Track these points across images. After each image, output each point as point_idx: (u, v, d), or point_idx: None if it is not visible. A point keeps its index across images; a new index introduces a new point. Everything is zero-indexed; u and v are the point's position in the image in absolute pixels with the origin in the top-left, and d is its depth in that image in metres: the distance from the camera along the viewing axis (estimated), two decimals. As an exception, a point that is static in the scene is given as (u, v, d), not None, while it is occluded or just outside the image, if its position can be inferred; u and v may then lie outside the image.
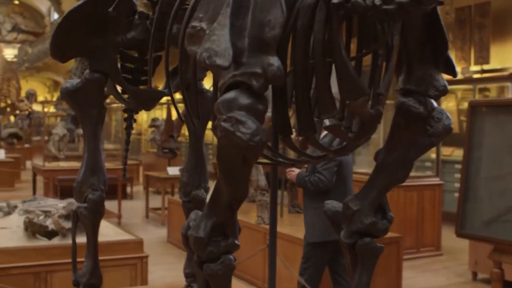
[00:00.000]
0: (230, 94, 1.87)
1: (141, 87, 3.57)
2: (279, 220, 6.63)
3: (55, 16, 35.79)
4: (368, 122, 2.01)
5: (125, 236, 5.62)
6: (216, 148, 1.92)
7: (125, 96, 3.55)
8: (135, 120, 3.74)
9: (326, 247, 5.02)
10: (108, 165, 11.30)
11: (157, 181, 11.21)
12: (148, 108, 3.64)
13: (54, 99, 34.05)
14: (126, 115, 3.73)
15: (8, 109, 18.73)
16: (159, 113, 18.98)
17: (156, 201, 11.70)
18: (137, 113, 3.74)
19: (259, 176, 6.47)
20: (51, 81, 39.38)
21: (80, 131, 13.55)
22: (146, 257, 5.53)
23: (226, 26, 1.88)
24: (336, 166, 5.03)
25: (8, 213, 6.49)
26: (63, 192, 12.08)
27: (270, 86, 1.96)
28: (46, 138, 13.32)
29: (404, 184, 7.72)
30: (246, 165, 1.89)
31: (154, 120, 14.21)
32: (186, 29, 2.23)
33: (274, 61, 1.84)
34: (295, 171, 5.37)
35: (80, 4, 3.24)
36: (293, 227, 6.34)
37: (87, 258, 3.57)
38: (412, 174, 2.53)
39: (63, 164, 11.56)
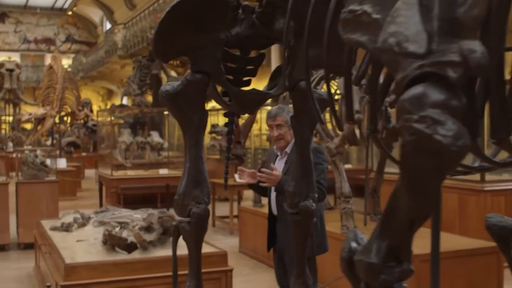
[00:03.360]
0: (418, 89, 1.50)
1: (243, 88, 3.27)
2: (363, 229, 6.27)
3: (108, 25, 36.18)
4: None
5: (208, 249, 5.31)
6: (401, 154, 1.56)
7: (226, 99, 3.25)
8: (236, 125, 3.42)
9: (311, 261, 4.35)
10: (175, 172, 11.17)
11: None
12: (251, 111, 3.33)
13: (108, 107, 34.35)
14: (227, 119, 3.42)
15: (68, 118, 18.78)
16: (215, 119, 18.79)
17: (220, 209, 11.43)
18: (239, 117, 3.43)
19: (342, 183, 6.09)
20: (104, 90, 39.85)
21: (138, 139, 13.44)
22: (231, 270, 5.23)
23: (414, 5, 1.53)
24: None
25: (83, 225, 6.28)
26: (125, 201, 11.97)
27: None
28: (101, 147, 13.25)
29: (503, 188, 7.15)
30: (441, 175, 1.53)
31: (214, 126, 13.98)
32: (334, 15, 1.89)
33: (476, 46, 1.48)
34: (274, 175, 4.10)
35: None
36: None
37: (190, 277, 3.26)
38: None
39: (130, 173, 11.40)
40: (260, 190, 4.54)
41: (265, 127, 17.87)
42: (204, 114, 3.16)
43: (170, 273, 4.41)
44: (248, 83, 3.27)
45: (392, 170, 7.70)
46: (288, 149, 4.34)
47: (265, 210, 5.62)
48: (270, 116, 4.29)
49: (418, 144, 1.47)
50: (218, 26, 3.01)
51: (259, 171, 4.17)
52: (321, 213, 4.57)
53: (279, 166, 4.35)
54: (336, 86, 6.38)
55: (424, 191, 1.58)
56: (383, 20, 1.67)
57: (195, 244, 3.20)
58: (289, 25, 2.82)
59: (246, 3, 3.11)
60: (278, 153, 4.44)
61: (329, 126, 6.87)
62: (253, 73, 3.28)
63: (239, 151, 9.80)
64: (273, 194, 4.41)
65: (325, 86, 6.45)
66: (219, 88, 3.26)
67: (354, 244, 1.82)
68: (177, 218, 3.65)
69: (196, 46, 2.99)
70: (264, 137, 17.11)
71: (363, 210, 6.49)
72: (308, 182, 3.29)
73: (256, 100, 3.21)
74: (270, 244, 4.52)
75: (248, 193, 11.46)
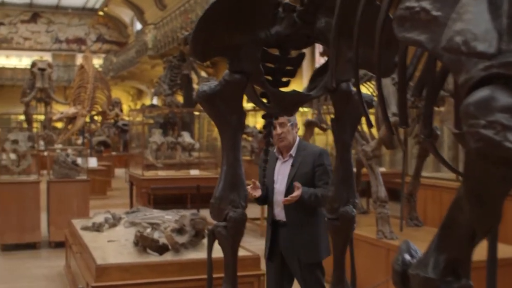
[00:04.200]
0: (485, 92, 1.39)
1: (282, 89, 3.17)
2: (399, 234, 6.12)
3: (138, 26, 36.40)
4: None
5: (241, 252, 5.20)
6: (465, 162, 1.45)
7: (264, 100, 3.16)
8: (274, 127, 3.33)
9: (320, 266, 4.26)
10: (206, 173, 11.10)
11: (255, 190, 10.84)
12: (290, 113, 3.23)
13: (138, 107, 34.55)
14: (264, 121, 3.33)
15: (99, 117, 18.88)
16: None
17: (251, 211, 11.33)
18: (276, 118, 3.34)
19: (378, 187, 5.95)
20: (134, 90, 40.09)
21: (169, 139, 13.43)
22: (263, 275, 5.12)
23: (482, 0, 1.41)
24: None
25: (113, 225, 6.25)
26: (155, 201, 11.97)
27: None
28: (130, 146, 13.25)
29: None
30: (510, 185, 1.42)
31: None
32: (388, 13, 1.79)
33: None
34: (296, 195, 3.98)
35: None
36: (417, 242, 5.76)
37: (225, 283, 3.17)
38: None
39: (160, 173, 11.38)
40: (261, 201, 4.30)
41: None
42: (242, 115, 3.08)
43: (202, 276, 4.34)
44: (287, 84, 3.18)
45: (428, 174, 7.55)
46: (293, 152, 4.15)
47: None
48: None
49: (485, 151, 1.35)
50: (258, 25, 2.92)
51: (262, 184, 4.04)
52: (324, 216, 4.37)
53: (282, 169, 4.19)
54: (372, 88, 6.25)
55: (488, 201, 1.46)
56: (444, 17, 1.55)
57: (231, 249, 3.11)
58: (336, 24, 2.71)
59: (286, 1, 3.01)
60: (280, 156, 4.21)
61: (364, 128, 6.74)
62: (293, 74, 3.18)
63: (270, 153, 9.69)
64: (277, 199, 4.20)
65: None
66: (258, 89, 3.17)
67: (407, 256, 1.71)
68: (210, 220, 3.57)
69: (235, 45, 2.91)
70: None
71: (399, 215, 6.34)
72: (349, 187, 3.18)
73: (295, 101, 3.11)
74: (271, 251, 4.30)
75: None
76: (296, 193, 3.93)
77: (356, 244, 3.90)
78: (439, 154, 1.89)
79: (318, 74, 3.15)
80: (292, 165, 4.14)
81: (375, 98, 5.82)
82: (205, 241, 5.00)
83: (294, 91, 3.07)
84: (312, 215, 4.16)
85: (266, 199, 4.26)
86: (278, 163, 4.22)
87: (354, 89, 3.11)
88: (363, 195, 8.72)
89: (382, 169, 11.78)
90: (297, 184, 3.97)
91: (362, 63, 2.58)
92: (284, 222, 4.17)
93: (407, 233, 6.17)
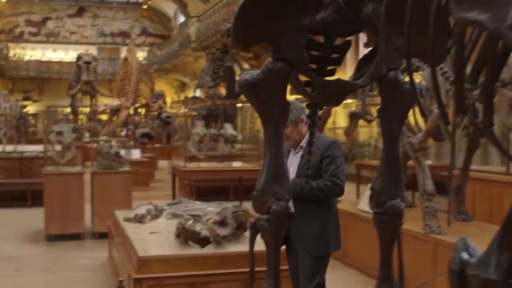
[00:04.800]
0: None
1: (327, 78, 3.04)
2: (447, 229, 5.93)
3: (181, 19, 36.56)
4: None
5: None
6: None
7: (308, 89, 3.04)
8: (319, 118, 3.21)
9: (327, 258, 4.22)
10: (249, 165, 11.01)
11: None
12: (336, 103, 3.10)
13: (181, 99, 34.74)
14: (308, 111, 3.21)
15: (143, 109, 19.03)
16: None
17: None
18: (321, 109, 3.22)
19: (425, 180, 5.77)
20: (178, 82, 40.34)
21: (212, 131, 13.40)
22: (306, 269, 5.01)
23: None
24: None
25: (156, 216, 6.23)
26: (198, 192, 11.96)
27: None
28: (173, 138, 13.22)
29: None
30: None
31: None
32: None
33: None
34: None
35: None
36: (466, 237, 5.57)
37: (267, 278, 3.07)
38: None
39: (203, 165, 11.36)
40: None
41: (339, 120, 17.50)
42: (286, 105, 2.96)
43: (244, 269, 4.27)
44: (332, 72, 3.05)
45: (476, 167, 7.30)
46: (303, 143, 4.17)
47: (339, 205, 5.35)
48: None
49: None
50: (302, 11, 2.80)
51: None
52: (336, 208, 4.32)
53: (293, 161, 4.18)
54: (420, 78, 6.06)
55: None
56: None
57: (273, 242, 3.01)
58: (385, 10, 2.58)
59: (331, -15, 2.88)
60: (291, 148, 4.23)
61: (411, 119, 6.56)
62: (338, 62, 3.05)
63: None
64: None
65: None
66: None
67: (465, 255, 1.58)
68: (252, 212, 3.48)
69: (278, 32, 2.80)
70: (338, 131, 16.80)
71: (446, 209, 6.14)
72: (397, 180, 3.04)
73: (341, 91, 2.98)
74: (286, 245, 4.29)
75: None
76: None
77: (402, 239, 3.77)
78: (500, 144, 1.75)
79: (364, 63, 3.02)
80: (302, 157, 4.15)
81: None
82: (247, 233, 4.92)
83: (339, 79, 2.95)
84: (321, 207, 4.13)
85: None
86: (290, 155, 4.24)
87: (402, 78, 2.98)
88: (409, 188, 8.53)
89: (429, 162, 11.53)
90: None
91: (412, 51, 2.45)
92: (293, 214, 4.12)
93: (455, 227, 5.98)
